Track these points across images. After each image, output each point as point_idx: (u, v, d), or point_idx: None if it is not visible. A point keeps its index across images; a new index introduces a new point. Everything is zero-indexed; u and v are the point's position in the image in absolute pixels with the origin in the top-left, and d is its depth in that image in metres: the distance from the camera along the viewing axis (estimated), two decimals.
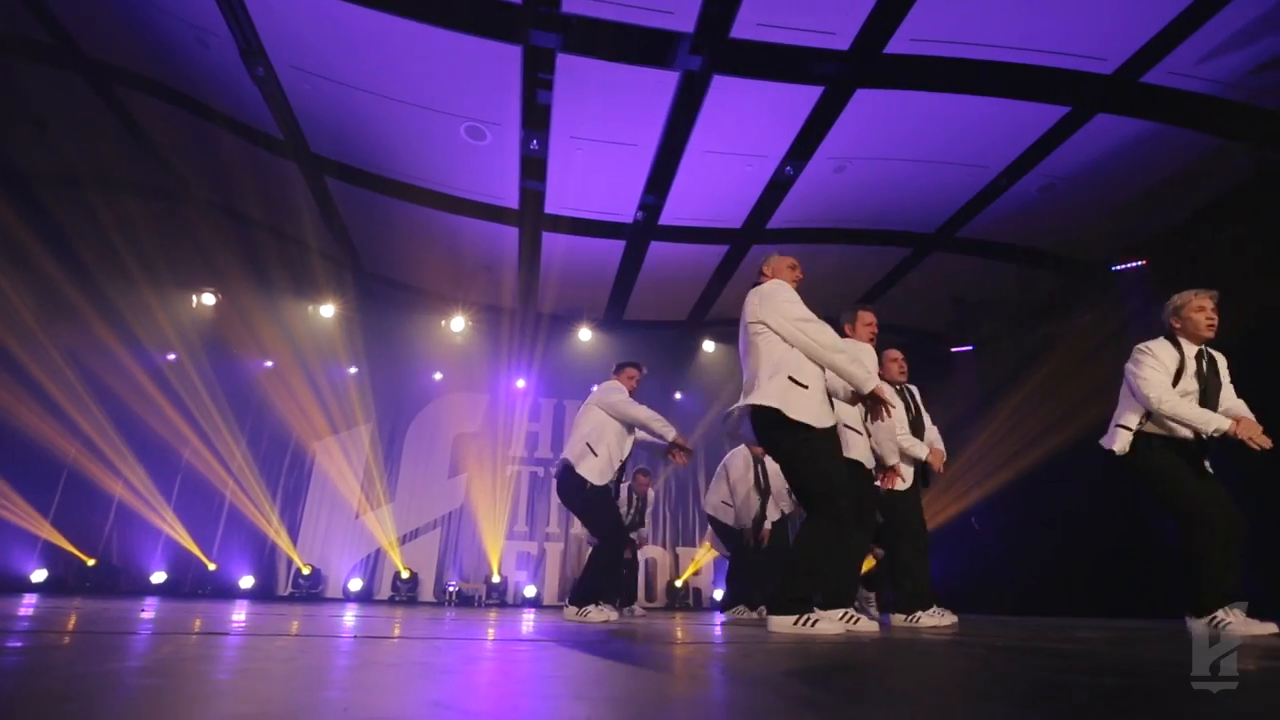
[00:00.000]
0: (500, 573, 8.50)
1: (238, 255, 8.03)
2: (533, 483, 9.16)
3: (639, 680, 1.09)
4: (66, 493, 7.75)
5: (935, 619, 3.46)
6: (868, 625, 2.82)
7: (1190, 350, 2.99)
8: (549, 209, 6.76)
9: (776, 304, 2.74)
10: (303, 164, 6.42)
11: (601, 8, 4.46)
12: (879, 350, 3.63)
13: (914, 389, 4.01)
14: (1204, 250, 5.89)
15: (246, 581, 8.11)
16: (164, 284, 8.21)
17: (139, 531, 7.94)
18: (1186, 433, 2.89)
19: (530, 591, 8.51)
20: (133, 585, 7.77)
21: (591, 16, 4.52)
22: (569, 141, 5.79)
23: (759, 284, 2.96)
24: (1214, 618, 2.71)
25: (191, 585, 7.99)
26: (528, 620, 3.63)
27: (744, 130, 5.54)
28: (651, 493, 6.82)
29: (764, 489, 5.14)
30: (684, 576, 8.68)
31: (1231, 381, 3.03)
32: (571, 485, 3.69)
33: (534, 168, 6.14)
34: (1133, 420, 2.98)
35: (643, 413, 3.70)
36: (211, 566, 8.09)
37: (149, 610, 3.34)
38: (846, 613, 2.89)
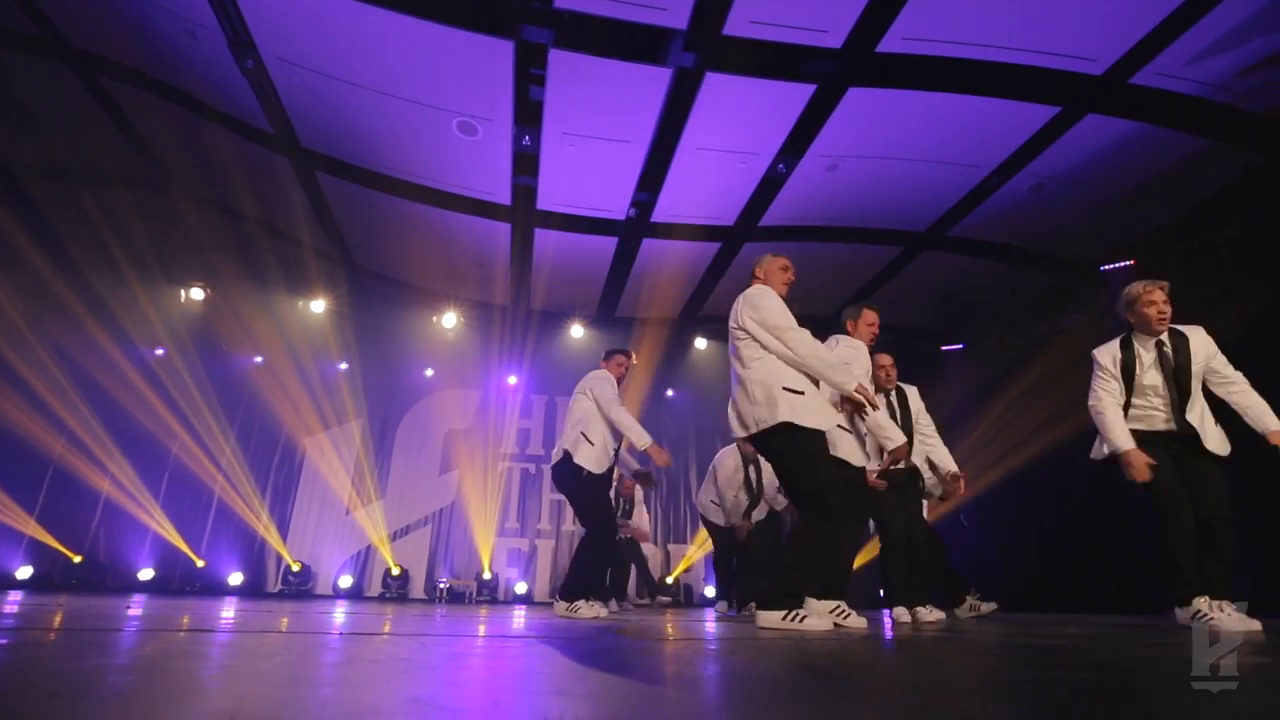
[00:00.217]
0: (491, 569, 8.48)
1: (227, 250, 7.96)
2: (524, 479, 9.15)
3: (621, 676, 1.09)
4: (52, 489, 7.68)
5: (908, 616, 3.46)
6: (857, 621, 2.84)
7: (1147, 342, 3.02)
8: (541, 205, 6.74)
9: (757, 310, 2.75)
10: (293, 158, 6.37)
11: (594, 3, 4.45)
12: (873, 353, 3.63)
13: (908, 392, 3.96)
14: (1191, 251, 5.95)
15: (235, 578, 8.06)
16: (152, 278, 8.13)
17: (126, 528, 7.87)
18: (1162, 425, 2.94)
19: (521, 588, 8.50)
20: (120, 582, 7.71)
21: (584, 12, 4.51)
22: (561, 137, 5.77)
23: (750, 286, 2.96)
24: (1198, 611, 2.74)
25: (180, 582, 7.94)
26: (518, 617, 3.63)
27: (737, 127, 5.54)
28: (640, 493, 6.81)
29: (755, 489, 5.13)
30: (675, 573, 8.70)
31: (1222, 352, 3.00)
32: (569, 472, 3.69)
33: (526, 164, 6.11)
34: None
35: (623, 417, 3.67)
36: (200, 563, 8.03)
37: (134, 607, 3.32)
38: (838, 606, 2.92)
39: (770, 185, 6.23)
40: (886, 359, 3.84)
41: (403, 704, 0.76)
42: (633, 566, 6.59)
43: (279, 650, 1.42)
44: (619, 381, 3.93)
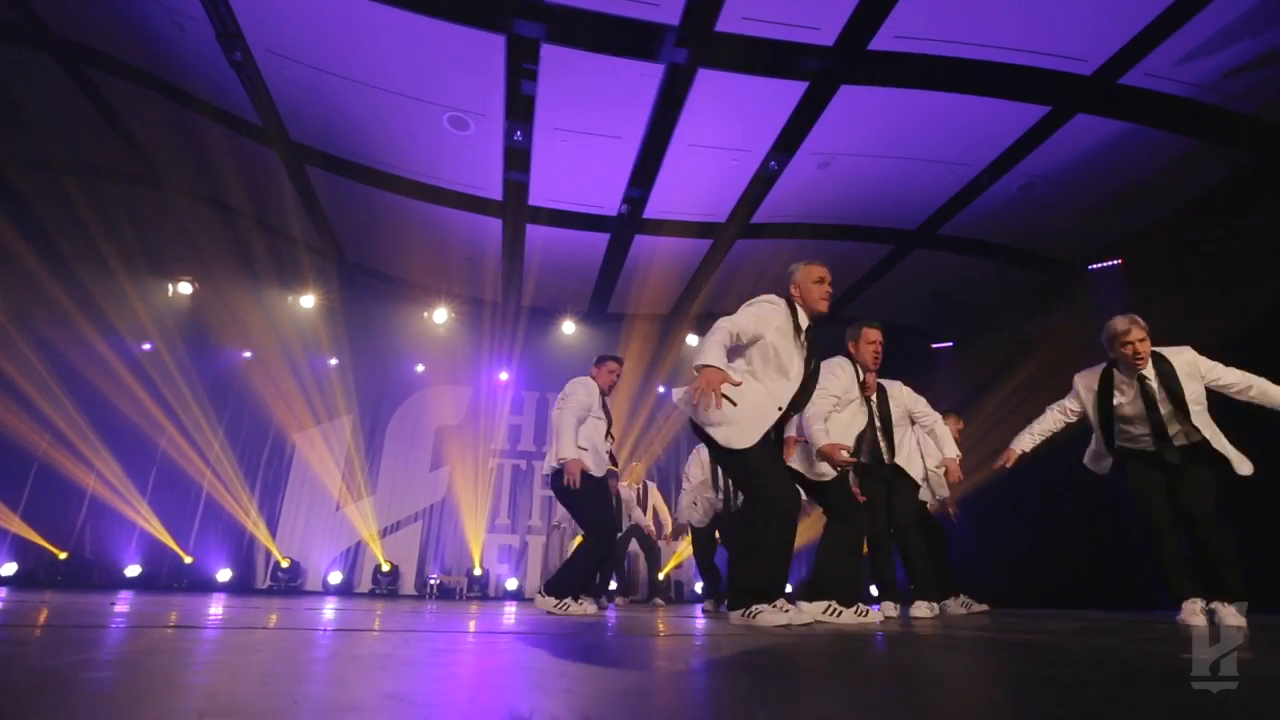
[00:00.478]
0: (482, 565, 8.48)
1: (216, 244, 7.89)
2: (515, 476, 9.14)
3: (601, 673, 1.09)
4: (37, 485, 7.60)
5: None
6: (849, 619, 2.86)
7: (1130, 375, 3.12)
8: (533, 201, 6.72)
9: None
10: (283, 152, 6.31)
11: None
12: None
13: (888, 389, 3.86)
14: (1176, 251, 6.00)
15: (224, 575, 8.01)
16: (140, 272, 8.05)
17: (112, 524, 7.81)
18: (1151, 447, 3.07)
19: (512, 584, 8.50)
20: (106, 579, 7.64)
21: (576, 7, 4.49)
22: (553, 133, 5.75)
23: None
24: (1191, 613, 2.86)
25: (167, 578, 7.88)
26: (508, 613, 3.63)
27: (729, 124, 5.54)
28: (628, 490, 6.83)
29: (724, 486, 5.16)
30: (666, 570, 8.72)
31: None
32: (563, 480, 3.69)
33: (518, 159, 6.09)
34: (1094, 439, 3.33)
35: (562, 424, 3.58)
36: (188, 560, 7.98)
37: (119, 604, 3.29)
38: (829, 606, 2.93)
39: (762, 182, 6.23)
40: (875, 335, 3.63)
41: (377, 700, 0.76)
42: (642, 565, 6.71)
43: (260, 646, 1.41)
44: (609, 389, 3.90)
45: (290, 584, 8.08)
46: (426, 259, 8.02)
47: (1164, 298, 5.69)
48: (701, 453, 5.31)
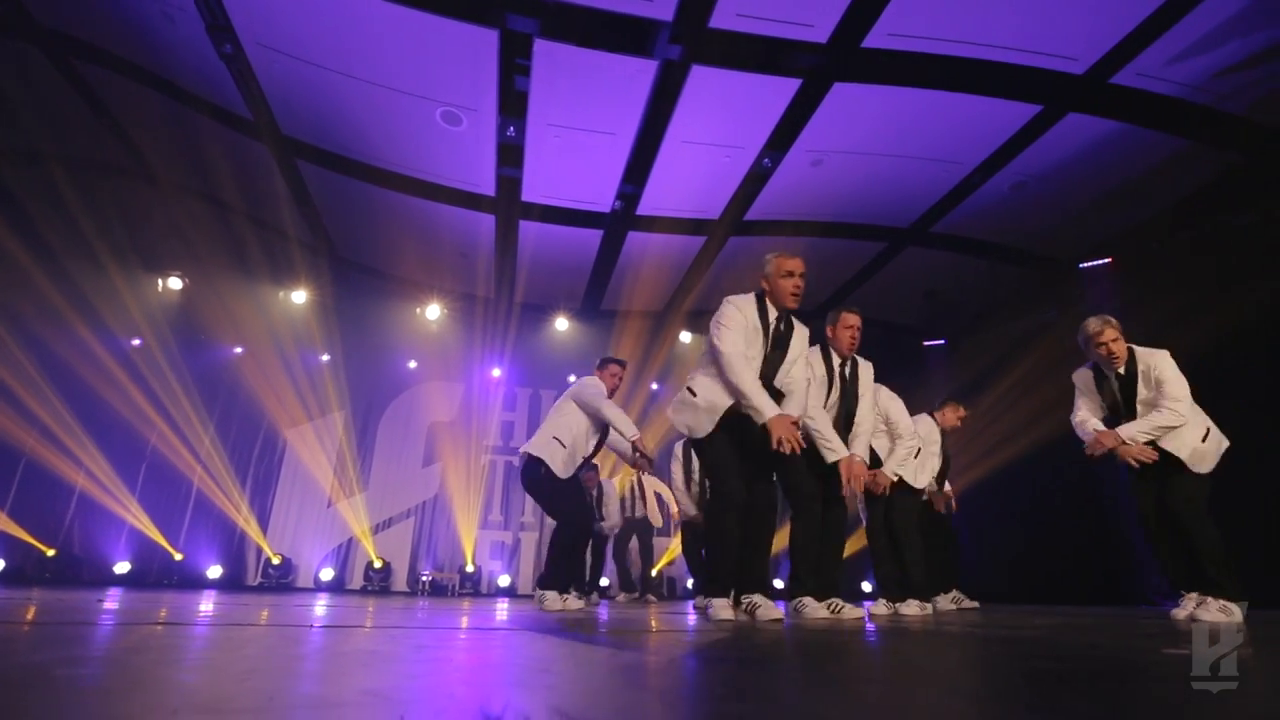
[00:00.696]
0: (474, 562, 8.47)
1: (206, 238, 7.82)
2: (508, 472, 9.13)
3: (588, 668, 1.09)
4: (24, 481, 7.53)
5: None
6: (852, 613, 2.90)
7: (1108, 372, 3.19)
8: (526, 197, 6.69)
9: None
10: (274, 146, 6.26)
11: None
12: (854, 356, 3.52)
13: (861, 367, 3.52)
14: (1167, 250, 6.04)
15: (214, 571, 7.97)
16: (130, 266, 7.98)
17: (102, 521, 7.75)
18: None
19: (504, 581, 8.49)
20: (96, 576, 7.59)
21: (569, 2, 4.47)
22: (546, 129, 5.73)
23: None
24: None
25: (157, 575, 7.84)
26: (499, 610, 3.62)
27: (722, 121, 5.53)
28: (609, 485, 6.80)
29: (700, 483, 5.15)
30: (659, 566, 8.73)
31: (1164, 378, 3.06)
32: (535, 477, 3.71)
33: (511, 155, 6.06)
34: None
35: (614, 412, 3.71)
36: (178, 556, 7.93)
37: (105, 601, 3.27)
38: (832, 602, 2.97)
39: (755, 179, 6.23)
40: (853, 320, 3.45)
41: (355, 696, 0.75)
42: (638, 560, 6.72)
43: (244, 643, 1.41)
44: (611, 393, 3.92)
45: (281, 581, 8.05)
46: (419, 255, 7.98)
47: (1155, 297, 5.74)
48: (678, 452, 5.32)
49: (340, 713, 0.66)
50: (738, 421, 2.65)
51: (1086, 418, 3.28)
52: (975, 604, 4.66)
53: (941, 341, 8.80)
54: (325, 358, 8.98)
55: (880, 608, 3.63)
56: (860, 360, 3.46)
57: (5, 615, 2.04)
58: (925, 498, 4.53)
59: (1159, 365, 3.06)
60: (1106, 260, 6.53)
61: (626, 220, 6.99)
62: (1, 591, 4.41)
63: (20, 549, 7.36)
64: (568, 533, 3.68)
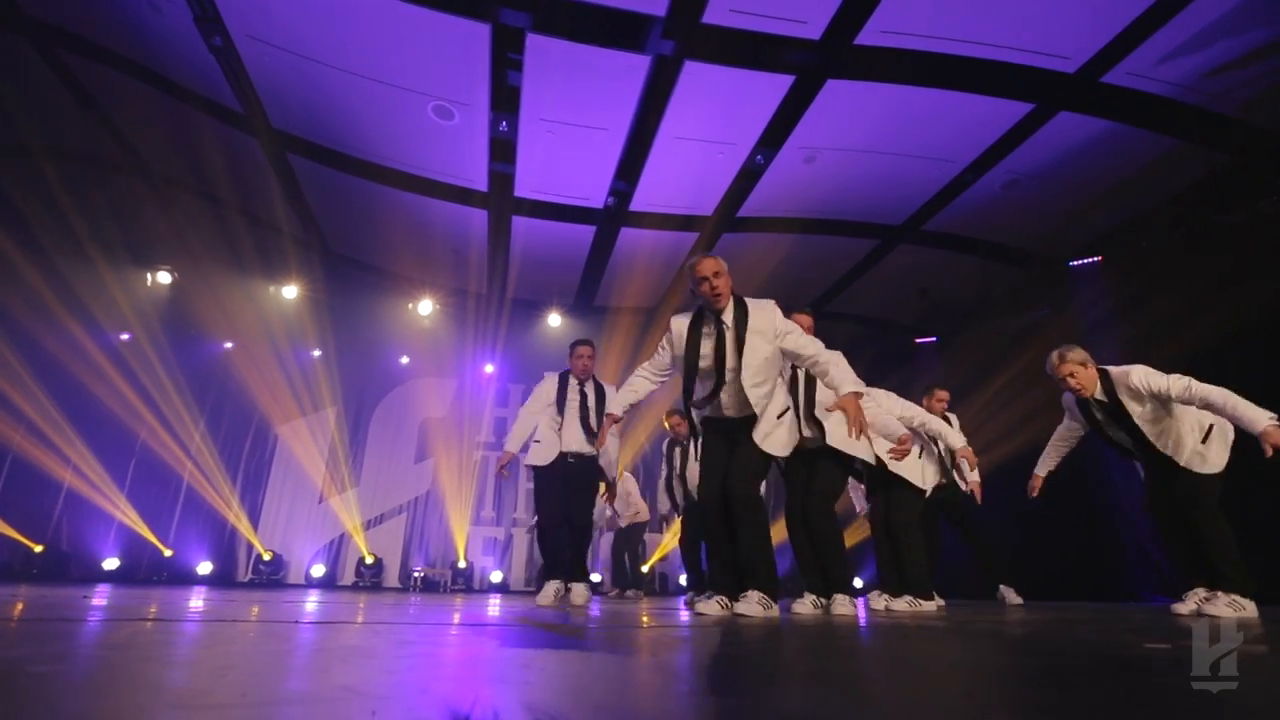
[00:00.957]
0: (466, 558, 8.46)
1: (196, 232, 7.77)
2: None
3: (571, 664, 1.08)
4: (11, 477, 7.47)
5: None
6: (845, 608, 2.92)
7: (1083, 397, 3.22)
8: (518, 192, 6.67)
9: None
10: (265, 140, 6.22)
11: None
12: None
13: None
14: (1156, 249, 6.07)
15: (204, 568, 7.94)
16: (119, 260, 7.90)
17: (90, 517, 7.70)
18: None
19: (497, 577, 8.49)
20: (85, 572, 7.55)
21: None
22: (539, 124, 5.70)
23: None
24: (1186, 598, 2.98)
25: (146, 571, 7.80)
26: (491, 605, 3.62)
27: (715, 117, 5.52)
28: (630, 480, 6.85)
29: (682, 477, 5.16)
30: (650, 562, 8.74)
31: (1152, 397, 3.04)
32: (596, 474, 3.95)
33: (503, 150, 6.04)
34: None
35: (519, 419, 4.02)
36: (168, 552, 7.89)
37: (91, 597, 3.25)
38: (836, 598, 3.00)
39: (748, 176, 6.22)
40: (802, 320, 3.34)
41: (331, 691, 0.75)
42: (625, 556, 6.72)
43: (226, 640, 1.40)
44: (582, 374, 3.92)
45: (272, 577, 8.02)
46: (411, 250, 7.95)
47: (1146, 296, 5.77)
48: (663, 449, 5.41)
49: (313, 708, 0.66)
50: (714, 425, 2.81)
51: (1059, 440, 3.55)
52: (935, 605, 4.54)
53: (933, 339, 8.83)
54: (317, 353, 8.94)
55: (877, 602, 3.66)
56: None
57: None
58: (969, 490, 4.47)
59: (1141, 380, 3.01)
60: (1097, 259, 6.56)
61: (619, 216, 6.98)
62: None
63: (7, 546, 7.31)
64: (539, 529, 3.91)
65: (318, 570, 8.20)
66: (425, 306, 8.91)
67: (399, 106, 5.61)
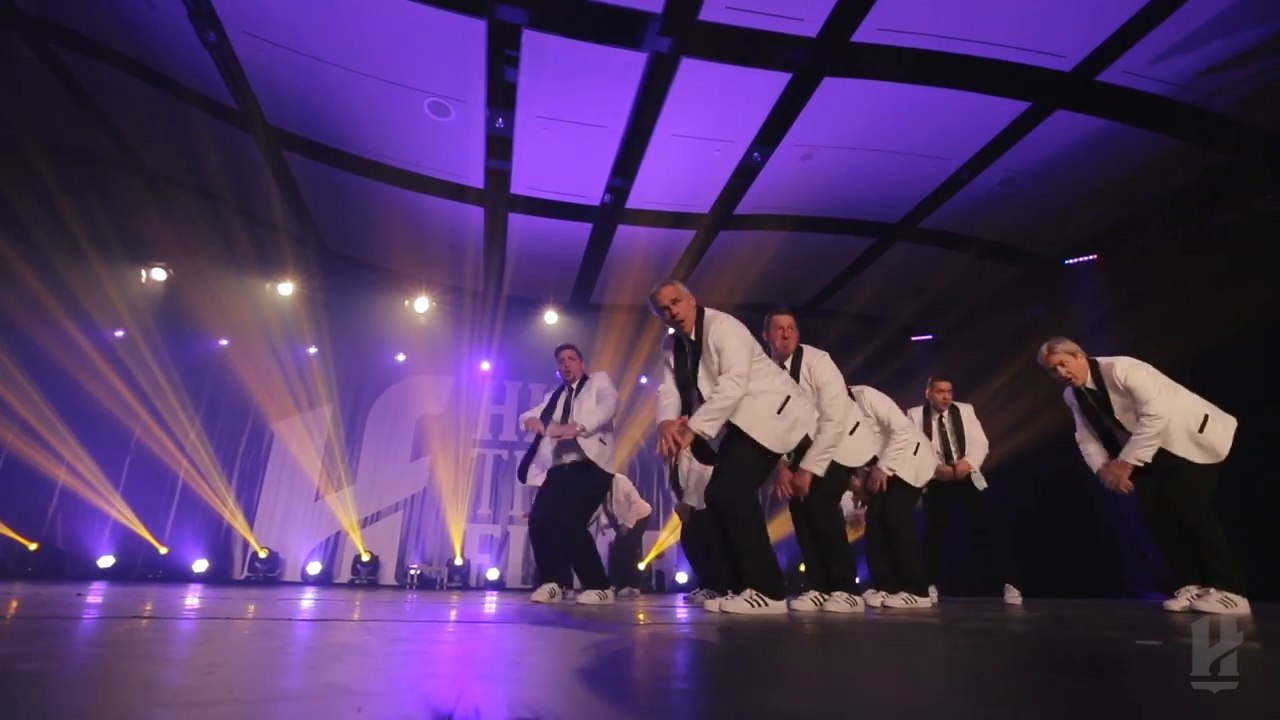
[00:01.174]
0: (463, 555, 8.46)
1: (191, 229, 7.73)
2: (496, 465, 9.12)
3: (558, 661, 1.08)
4: (5, 475, 7.44)
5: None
6: (838, 605, 2.93)
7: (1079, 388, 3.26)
8: (515, 189, 6.66)
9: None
10: (260, 136, 6.19)
11: None
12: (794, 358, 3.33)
13: (799, 360, 3.36)
14: (1149, 248, 6.09)
15: (200, 565, 7.92)
16: (113, 257, 7.87)
17: (85, 514, 7.68)
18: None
19: (493, 574, 8.49)
20: (80, 570, 7.53)
21: None
22: (535, 121, 5.69)
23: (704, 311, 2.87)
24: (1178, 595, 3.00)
25: (142, 569, 7.78)
26: (487, 603, 3.62)
27: (712, 114, 5.51)
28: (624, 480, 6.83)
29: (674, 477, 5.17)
30: (647, 559, 8.75)
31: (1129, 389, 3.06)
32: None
33: (499, 147, 6.02)
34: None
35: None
36: (163, 550, 7.87)
37: (85, 595, 3.24)
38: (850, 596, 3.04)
39: (745, 173, 6.22)
40: (783, 320, 3.37)
41: (318, 689, 0.74)
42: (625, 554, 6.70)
43: (217, 637, 1.39)
44: (567, 377, 4.01)
45: (268, 574, 8.01)
46: (407, 247, 7.93)
47: (1141, 294, 5.79)
48: None
49: (298, 705, 0.66)
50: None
51: (1084, 439, 3.35)
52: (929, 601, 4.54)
53: (929, 337, 8.85)
54: (313, 350, 8.92)
55: (873, 599, 3.67)
56: (808, 351, 3.32)
57: None
58: (956, 474, 4.44)
59: (1123, 372, 3.06)
60: (1092, 257, 6.58)
61: (616, 213, 6.97)
62: None
63: (2, 544, 7.29)
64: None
65: (314, 568, 8.19)
66: (421, 304, 8.89)
67: (395, 103, 5.59)
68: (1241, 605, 2.80)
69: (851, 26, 4.55)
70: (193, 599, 3.13)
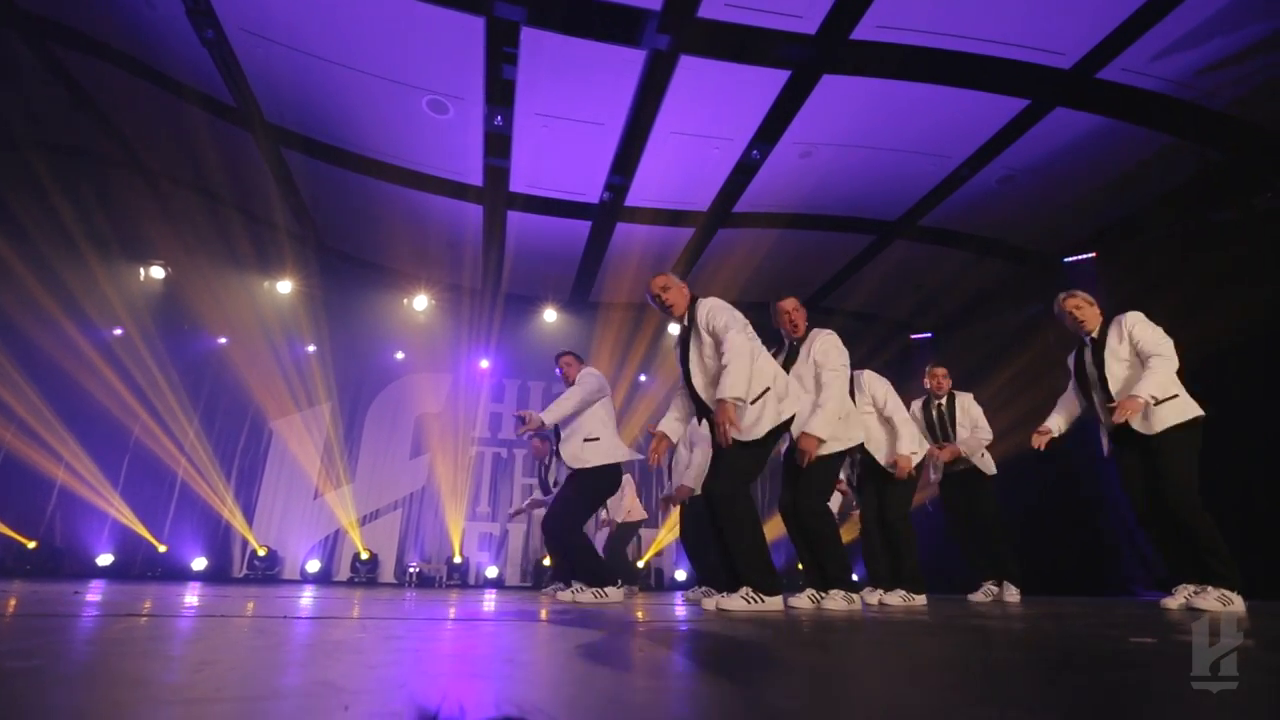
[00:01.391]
0: (462, 554, 8.46)
1: (189, 227, 7.73)
2: (495, 463, 9.11)
3: (551, 658, 1.08)
4: (4, 473, 7.43)
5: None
6: (834, 603, 2.92)
7: (1086, 341, 3.24)
8: (513, 187, 6.65)
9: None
10: (258, 134, 6.18)
11: None
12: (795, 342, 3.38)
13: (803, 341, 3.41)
14: (1148, 245, 6.08)
15: (199, 564, 7.92)
16: (111, 255, 7.86)
17: (83, 513, 7.67)
18: (1112, 421, 3.03)
19: (492, 572, 8.50)
20: (78, 568, 7.53)
21: None
22: (534, 118, 5.68)
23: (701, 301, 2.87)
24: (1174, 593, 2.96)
25: (141, 567, 7.78)
26: (485, 600, 3.62)
27: (711, 112, 5.50)
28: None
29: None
30: (646, 557, 8.76)
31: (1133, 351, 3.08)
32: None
33: (498, 144, 6.01)
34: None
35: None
36: (162, 548, 7.87)
37: (83, 593, 3.24)
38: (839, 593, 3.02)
39: (744, 171, 6.21)
40: (787, 305, 3.41)
41: (307, 686, 0.74)
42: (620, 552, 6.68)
43: (210, 635, 1.39)
44: (565, 381, 4.05)
45: (267, 573, 8.01)
46: (406, 245, 7.92)
47: (1139, 292, 5.77)
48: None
49: (286, 703, 0.65)
50: (710, 428, 2.83)
51: (1059, 407, 3.38)
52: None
53: (928, 335, 8.84)
54: (312, 348, 8.91)
55: (870, 597, 3.67)
56: (815, 330, 3.37)
57: None
58: (943, 456, 4.44)
59: (1133, 319, 3.04)
60: (1091, 255, 6.57)
61: (615, 211, 6.96)
62: None
63: (0, 542, 7.28)
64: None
65: (313, 566, 8.19)
66: (420, 302, 8.88)
67: (393, 101, 5.58)
68: (1238, 603, 2.80)
69: (851, 23, 4.55)
70: (191, 597, 3.13)
